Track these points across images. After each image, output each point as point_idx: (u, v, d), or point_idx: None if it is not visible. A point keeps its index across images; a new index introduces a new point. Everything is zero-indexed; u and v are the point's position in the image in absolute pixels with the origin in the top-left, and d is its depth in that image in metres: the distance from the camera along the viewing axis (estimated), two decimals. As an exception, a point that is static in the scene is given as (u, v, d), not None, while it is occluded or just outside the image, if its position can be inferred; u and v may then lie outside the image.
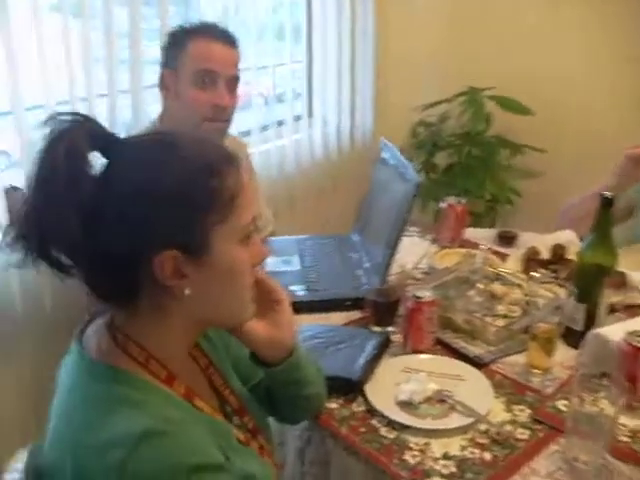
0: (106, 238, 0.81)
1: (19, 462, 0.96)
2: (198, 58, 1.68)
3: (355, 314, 1.66)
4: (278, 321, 1.05)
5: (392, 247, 1.64)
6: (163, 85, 1.72)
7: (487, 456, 1.18)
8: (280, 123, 2.75)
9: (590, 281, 1.48)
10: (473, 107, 2.73)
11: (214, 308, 0.91)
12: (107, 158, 0.85)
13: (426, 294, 1.46)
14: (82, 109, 1.91)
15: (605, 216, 1.46)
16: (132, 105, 2.09)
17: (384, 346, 1.47)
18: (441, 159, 2.98)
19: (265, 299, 1.04)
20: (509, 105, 2.73)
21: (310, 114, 2.99)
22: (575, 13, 2.81)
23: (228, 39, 1.72)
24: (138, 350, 0.87)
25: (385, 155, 1.95)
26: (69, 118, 0.83)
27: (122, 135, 0.90)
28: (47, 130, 0.81)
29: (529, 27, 2.90)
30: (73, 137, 0.81)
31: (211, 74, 1.69)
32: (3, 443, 1.88)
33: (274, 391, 1.13)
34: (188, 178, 0.83)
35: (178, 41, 1.69)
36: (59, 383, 0.91)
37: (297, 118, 2.83)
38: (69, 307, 1.89)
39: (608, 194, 1.44)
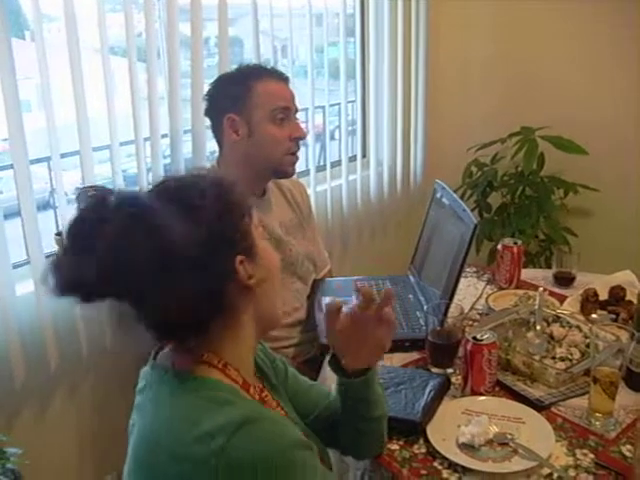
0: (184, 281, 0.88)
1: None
2: (271, 97, 1.79)
3: (413, 355, 1.68)
4: (377, 336, 1.13)
5: (451, 289, 1.66)
6: (232, 129, 1.79)
7: (551, 501, 1.18)
8: (334, 164, 2.81)
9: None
10: (526, 147, 2.74)
11: (271, 304, 1.02)
12: None
13: (485, 336, 1.48)
14: (147, 147, 2.02)
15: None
16: (192, 142, 2.18)
17: (444, 388, 1.48)
18: (494, 199, 2.99)
19: (368, 314, 1.12)
20: (563, 145, 2.73)
21: (364, 154, 3.04)
22: (631, 52, 2.81)
23: (284, 77, 1.85)
24: (217, 358, 0.94)
25: (439, 196, 1.98)
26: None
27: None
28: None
29: (581, 67, 2.91)
30: None
31: (285, 110, 1.81)
32: (63, 475, 1.96)
33: (342, 412, 1.18)
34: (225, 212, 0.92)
35: (241, 85, 1.78)
36: (144, 399, 0.97)
37: (351, 159, 2.89)
38: (128, 347, 1.98)
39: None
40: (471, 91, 3.16)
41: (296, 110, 1.86)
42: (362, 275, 2.17)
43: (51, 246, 1.93)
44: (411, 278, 2.06)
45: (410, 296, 1.95)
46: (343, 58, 2.76)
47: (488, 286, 2.07)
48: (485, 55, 3.11)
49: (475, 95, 3.15)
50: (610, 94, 2.88)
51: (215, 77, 1.92)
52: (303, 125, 1.92)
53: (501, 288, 2.06)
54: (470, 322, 1.83)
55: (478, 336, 1.48)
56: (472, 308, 1.92)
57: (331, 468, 1.12)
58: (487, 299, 1.95)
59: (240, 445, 0.81)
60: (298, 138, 1.83)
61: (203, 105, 1.88)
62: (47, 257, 1.87)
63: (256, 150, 1.79)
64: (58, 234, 1.84)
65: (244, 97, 1.77)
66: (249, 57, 2.01)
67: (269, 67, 1.86)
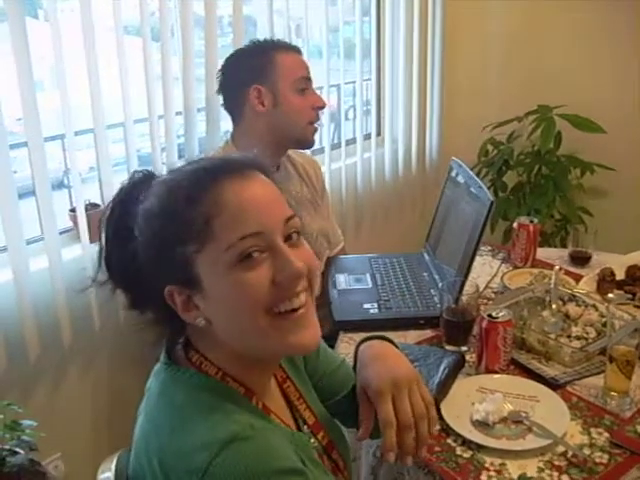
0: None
1: (107, 470, 1.01)
2: (292, 68, 1.81)
3: (427, 333, 1.67)
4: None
5: (466, 266, 1.65)
6: (258, 100, 1.79)
7: (565, 479, 1.17)
8: (349, 142, 2.79)
9: (670, 303, 1.45)
10: (544, 125, 2.70)
11: (237, 338, 0.88)
12: None
13: (501, 314, 1.47)
14: (160, 126, 2.00)
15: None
16: (207, 121, 2.17)
17: (459, 365, 1.47)
18: (510, 178, 2.96)
19: None
20: (581, 123, 2.70)
21: (379, 133, 3.02)
22: None
23: (297, 48, 1.88)
24: (215, 369, 0.89)
25: (455, 173, 1.96)
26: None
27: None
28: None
29: (599, 45, 2.86)
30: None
31: (306, 81, 1.84)
32: (78, 448, 1.98)
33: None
34: (160, 216, 0.85)
35: (263, 56, 1.79)
36: (148, 389, 0.95)
37: (366, 137, 2.87)
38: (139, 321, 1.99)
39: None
40: (488, 69, 3.12)
41: (311, 80, 1.88)
42: (376, 253, 2.16)
43: (65, 223, 1.95)
44: (426, 256, 2.05)
45: (425, 274, 1.95)
46: (359, 37, 2.73)
47: (503, 265, 2.06)
48: (503, 32, 3.07)
49: (492, 73, 3.11)
50: (627, 73, 2.83)
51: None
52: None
53: (516, 267, 2.04)
54: (485, 300, 1.82)
55: (493, 314, 1.47)
56: (487, 286, 1.91)
57: (347, 463, 1.10)
58: (502, 277, 1.94)
59: (223, 466, 0.77)
60: (320, 107, 1.86)
61: (216, 82, 1.87)
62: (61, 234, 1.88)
63: (281, 120, 1.81)
64: (72, 210, 1.86)
65: (267, 68, 1.79)
66: (263, 37, 1.98)
67: (282, 40, 1.89)
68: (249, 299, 0.83)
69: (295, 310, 0.86)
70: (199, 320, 0.86)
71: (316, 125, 1.89)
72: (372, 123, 2.97)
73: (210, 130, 2.15)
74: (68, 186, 2.05)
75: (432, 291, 1.82)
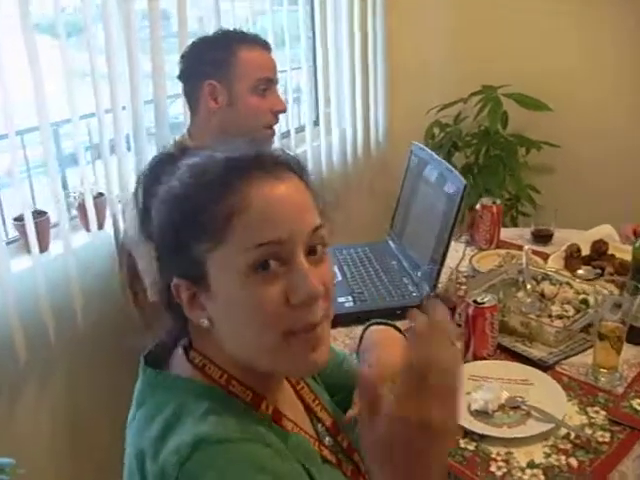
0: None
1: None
2: (255, 66, 1.70)
3: (406, 323, 1.63)
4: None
5: (442, 253, 1.62)
6: (211, 97, 1.69)
7: (573, 462, 1.16)
8: (298, 130, 2.72)
9: (647, 276, 1.46)
10: (490, 105, 2.71)
11: (240, 350, 0.81)
12: None
13: (486, 299, 1.44)
14: (107, 120, 1.88)
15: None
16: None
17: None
18: (459, 159, 2.96)
19: None
20: (527, 102, 2.72)
21: (317, 122, 2.95)
22: (582, 9, 2.80)
23: (267, 44, 1.75)
24: (219, 372, 0.83)
25: (418, 158, 1.93)
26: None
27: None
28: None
29: (540, 24, 2.88)
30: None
31: (268, 82, 1.72)
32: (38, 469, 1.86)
33: None
34: (179, 203, 0.80)
35: (224, 50, 1.68)
36: (140, 402, 0.86)
37: (302, 128, 2.78)
38: (100, 326, 1.88)
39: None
40: (430, 52, 3.09)
41: (277, 81, 1.77)
42: (338, 244, 2.10)
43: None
44: (391, 244, 2.01)
45: (393, 262, 1.91)
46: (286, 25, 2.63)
47: (468, 247, 2.04)
48: (443, 14, 3.05)
49: (434, 56, 3.08)
50: (568, 50, 2.86)
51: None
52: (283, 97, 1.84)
53: (481, 249, 2.03)
54: (458, 285, 1.79)
55: (478, 299, 1.44)
56: (457, 270, 1.89)
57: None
58: (471, 260, 1.92)
59: (190, 469, 0.72)
60: (279, 111, 1.75)
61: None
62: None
63: (234, 120, 1.69)
64: (18, 219, 1.73)
65: (227, 64, 1.67)
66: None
67: (251, 33, 1.75)
68: (258, 315, 0.77)
69: (307, 331, 0.79)
70: (202, 320, 0.81)
71: (274, 130, 1.78)
72: (311, 111, 2.88)
73: (136, 129, 2.00)
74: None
75: (404, 280, 1.79)
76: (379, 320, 1.16)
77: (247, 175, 0.77)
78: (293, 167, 0.83)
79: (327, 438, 0.96)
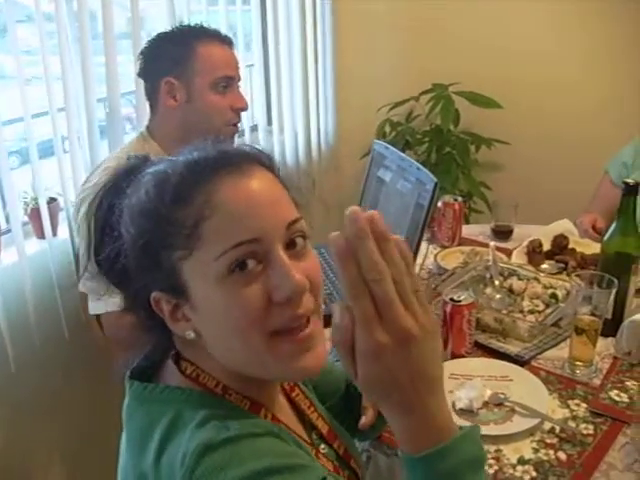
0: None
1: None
2: (215, 64, 1.64)
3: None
4: None
5: (414, 252, 1.61)
6: (169, 94, 1.63)
7: (562, 456, 1.17)
8: (253, 129, 2.67)
9: (616, 269, 1.48)
10: (442, 103, 2.73)
11: (229, 358, 0.77)
12: None
13: (462, 297, 1.44)
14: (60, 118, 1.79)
15: (628, 204, 1.47)
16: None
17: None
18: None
19: None
20: (478, 100, 2.75)
21: (269, 122, 2.91)
22: (530, 5, 2.86)
23: (228, 40, 1.70)
24: (214, 382, 0.79)
25: (381, 157, 1.92)
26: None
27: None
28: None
29: (488, 22, 2.93)
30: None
31: (229, 79, 1.67)
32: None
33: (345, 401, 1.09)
34: (144, 214, 0.75)
35: (182, 47, 1.62)
36: (128, 418, 0.82)
37: (255, 127, 2.75)
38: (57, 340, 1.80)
39: (631, 181, 1.46)
40: (378, 51, 3.08)
41: (239, 78, 1.72)
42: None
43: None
44: (355, 244, 1.99)
45: (359, 263, 1.89)
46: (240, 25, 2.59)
47: (430, 245, 2.04)
48: (391, 13, 3.04)
49: (382, 55, 3.08)
50: (515, 47, 2.91)
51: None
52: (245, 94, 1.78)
53: (444, 246, 2.04)
54: (422, 282, 1.79)
55: (455, 297, 1.44)
56: (421, 268, 1.89)
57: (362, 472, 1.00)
58: (435, 258, 1.92)
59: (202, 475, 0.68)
60: (240, 109, 1.70)
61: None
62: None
63: (194, 118, 1.64)
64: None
65: (185, 60, 1.61)
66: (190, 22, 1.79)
67: (212, 28, 1.69)
68: (241, 318, 0.72)
69: (296, 330, 0.74)
70: (188, 333, 0.76)
71: (237, 127, 1.73)
72: (262, 112, 2.85)
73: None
74: None
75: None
76: None
77: (210, 175, 0.74)
78: (261, 160, 0.79)
79: (322, 445, 0.93)
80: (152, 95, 1.67)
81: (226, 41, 1.68)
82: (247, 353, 0.75)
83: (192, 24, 1.68)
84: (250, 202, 0.74)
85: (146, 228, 0.75)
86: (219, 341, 0.76)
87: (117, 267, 0.79)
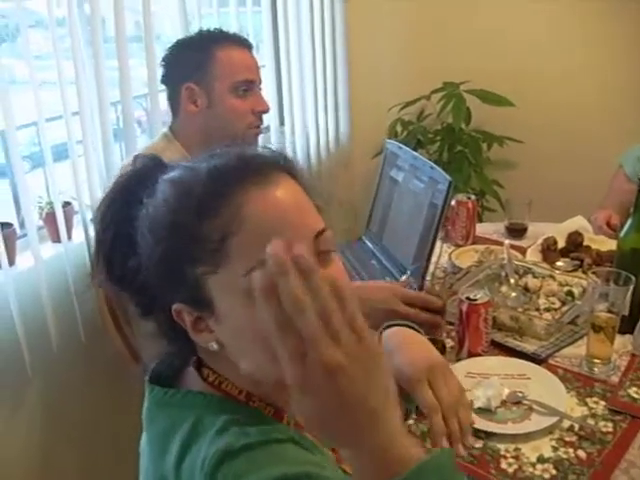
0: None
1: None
2: (234, 68, 1.64)
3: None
4: None
5: (427, 251, 1.61)
6: (190, 100, 1.64)
7: (582, 454, 1.16)
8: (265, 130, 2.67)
9: (633, 266, 1.47)
10: (453, 102, 2.72)
11: (254, 372, 0.74)
12: None
13: (479, 295, 1.44)
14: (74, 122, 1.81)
15: (644, 200, 1.46)
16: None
17: (441, 353, 1.43)
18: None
19: None
20: (489, 98, 2.74)
21: (282, 122, 2.91)
22: (543, 7, 2.84)
23: (247, 43, 1.70)
24: (237, 390, 0.78)
25: (394, 156, 1.92)
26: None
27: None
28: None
29: (499, 20, 2.92)
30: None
31: (249, 83, 1.67)
32: None
33: None
34: (167, 228, 0.73)
35: (202, 52, 1.62)
36: (149, 421, 0.82)
37: (267, 129, 2.75)
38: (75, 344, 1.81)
39: (647, 177, 1.45)
40: (389, 50, 3.08)
41: (260, 81, 1.72)
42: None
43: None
44: (368, 243, 1.99)
45: (373, 262, 1.89)
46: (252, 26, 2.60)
47: (444, 244, 2.04)
48: (402, 13, 3.04)
49: (393, 54, 3.08)
50: (526, 45, 2.90)
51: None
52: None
53: (458, 245, 2.03)
54: (438, 281, 1.79)
55: (471, 296, 1.43)
56: (436, 267, 1.88)
57: None
58: (450, 257, 1.92)
59: None
60: (261, 112, 1.71)
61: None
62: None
63: (216, 123, 1.65)
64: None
65: (205, 65, 1.62)
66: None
67: (231, 32, 1.70)
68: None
69: None
70: (211, 344, 0.75)
71: (260, 129, 1.74)
72: (274, 112, 2.85)
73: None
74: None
75: (387, 279, 1.77)
76: (394, 322, 1.12)
77: (236, 186, 0.71)
78: (284, 166, 0.76)
79: None
80: (174, 100, 1.68)
81: (245, 44, 1.68)
82: (275, 364, 0.74)
83: (211, 29, 1.69)
84: (278, 214, 0.71)
85: (168, 242, 0.72)
86: (245, 353, 0.74)
87: (133, 277, 0.77)
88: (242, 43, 1.68)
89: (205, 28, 1.70)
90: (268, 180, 0.73)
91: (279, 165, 0.76)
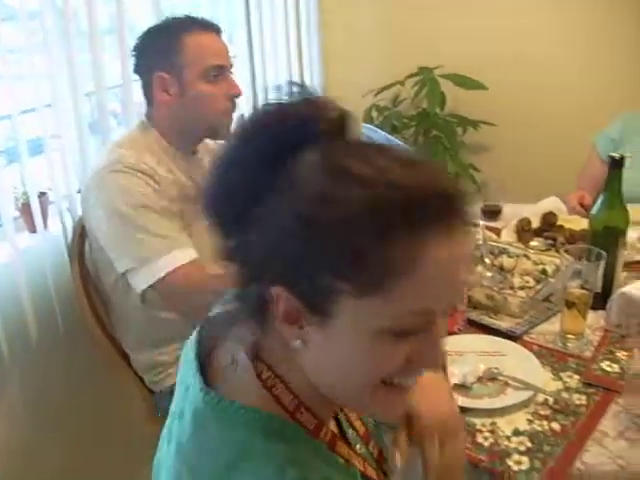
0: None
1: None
2: (203, 53, 1.62)
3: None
4: None
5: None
6: (162, 89, 1.62)
7: (556, 426, 1.19)
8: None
9: (604, 243, 1.50)
10: (428, 86, 2.74)
11: (325, 384, 0.71)
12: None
13: (454, 275, 1.45)
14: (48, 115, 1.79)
15: (614, 177, 1.49)
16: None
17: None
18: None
19: None
20: (464, 82, 2.76)
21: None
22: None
23: (215, 27, 1.67)
24: (290, 397, 0.72)
25: (370, 139, 1.92)
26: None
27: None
28: None
29: (473, 4, 2.93)
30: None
31: (219, 69, 1.65)
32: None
33: None
34: (331, 233, 0.61)
35: (170, 39, 1.60)
36: (180, 416, 0.77)
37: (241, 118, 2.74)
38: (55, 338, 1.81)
39: (617, 155, 1.48)
40: (362, 35, 3.08)
41: (231, 65, 1.70)
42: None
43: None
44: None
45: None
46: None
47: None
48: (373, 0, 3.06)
49: (366, 39, 3.08)
50: (499, 29, 2.92)
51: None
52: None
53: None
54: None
55: (447, 276, 1.45)
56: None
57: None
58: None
59: None
60: (234, 95, 1.68)
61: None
62: None
63: (189, 110, 1.63)
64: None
65: (173, 53, 1.59)
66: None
67: (199, 17, 1.66)
68: (372, 369, 0.66)
69: (405, 386, 0.71)
70: (296, 342, 0.68)
71: (233, 114, 1.71)
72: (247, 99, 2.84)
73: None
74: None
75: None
76: None
77: (428, 225, 0.61)
78: (468, 213, 0.64)
79: (358, 445, 0.89)
80: (147, 90, 1.66)
81: (214, 29, 1.66)
82: (349, 391, 0.70)
83: (179, 15, 1.65)
84: (450, 271, 0.63)
85: (322, 246, 0.61)
86: (326, 366, 0.69)
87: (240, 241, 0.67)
88: (210, 28, 1.65)
89: (171, 15, 1.68)
90: (452, 228, 0.62)
91: (466, 211, 0.64)
